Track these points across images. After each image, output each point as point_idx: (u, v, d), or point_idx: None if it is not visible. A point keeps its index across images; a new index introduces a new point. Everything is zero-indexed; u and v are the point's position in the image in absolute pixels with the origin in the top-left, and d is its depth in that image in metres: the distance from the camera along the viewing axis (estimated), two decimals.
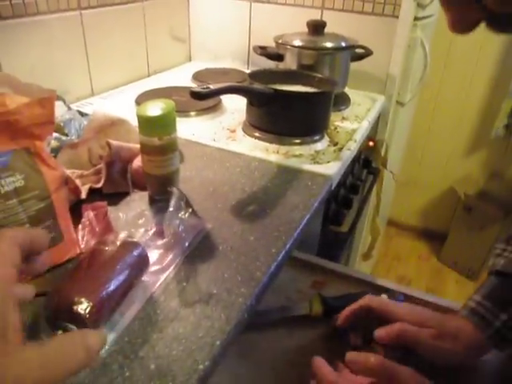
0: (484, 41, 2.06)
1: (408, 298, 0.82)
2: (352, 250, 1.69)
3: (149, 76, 1.47)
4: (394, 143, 1.60)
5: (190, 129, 1.03)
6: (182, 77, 1.44)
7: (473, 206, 2.30)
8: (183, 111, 1.07)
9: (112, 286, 0.50)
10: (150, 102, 0.71)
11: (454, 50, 2.14)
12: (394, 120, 1.51)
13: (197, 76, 1.41)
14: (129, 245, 0.55)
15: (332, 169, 0.87)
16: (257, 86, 0.90)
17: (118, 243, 0.55)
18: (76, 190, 0.73)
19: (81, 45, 1.19)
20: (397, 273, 2.41)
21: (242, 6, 1.51)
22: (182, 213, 0.63)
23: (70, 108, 0.95)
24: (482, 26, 0.35)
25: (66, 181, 0.67)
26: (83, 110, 1.12)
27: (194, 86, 1.36)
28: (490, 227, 2.26)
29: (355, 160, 1.15)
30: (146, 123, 0.69)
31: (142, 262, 0.56)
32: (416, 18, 1.35)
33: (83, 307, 0.47)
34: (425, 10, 1.39)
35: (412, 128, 2.18)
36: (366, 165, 1.29)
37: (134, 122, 0.76)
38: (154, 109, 0.69)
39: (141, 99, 1.16)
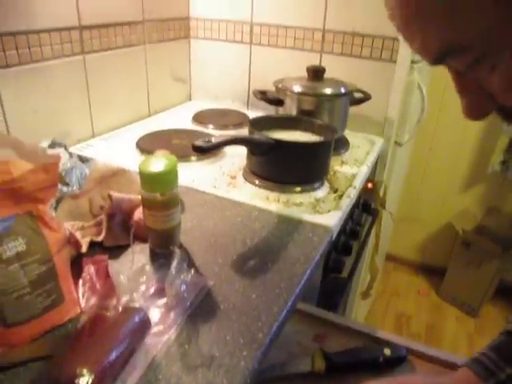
0: None
1: (409, 352, 0.81)
2: (351, 290, 1.67)
3: (149, 116, 1.49)
4: (392, 183, 1.61)
5: (191, 174, 1.03)
6: (183, 117, 1.46)
7: (471, 241, 2.29)
8: (184, 156, 1.08)
9: (114, 355, 0.50)
10: (152, 157, 0.72)
11: (449, 89, 2.17)
12: (393, 160, 1.53)
13: (197, 117, 1.42)
14: (131, 310, 0.55)
15: (333, 219, 0.87)
16: (257, 136, 0.91)
17: (120, 308, 0.54)
18: (77, 245, 0.73)
19: (83, 87, 1.21)
20: (396, 309, 2.39)
21: (242, 49, 1.54)
22: (184, 274, 0.63)
23: (71, 155, 0.95)
24: None
25: (68, 237, 0.67)
26: (84, 154, 1.13)
27: (194, 127, 1.37)
28: (489, 263, 2.25)
29: (355, 205, 1.15)
30: (149, 179, 0.69)
31: (144, 327, 0.56)
32: (413, 62, 1.38)
33: (85, 380, 0.46)
34: None
35: (410, 165, 2.20)
36: (365, 208, 1.30)
37: (135, 171, 0.77)
38: (157, 165, 0.69)
39: (141, 143, 1.17)
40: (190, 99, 1.71)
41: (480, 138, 2.24)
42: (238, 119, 1.43)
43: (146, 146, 1.15)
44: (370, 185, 1.37)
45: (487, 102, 0.38)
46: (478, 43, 0.34)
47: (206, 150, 0.77)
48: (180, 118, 1.45)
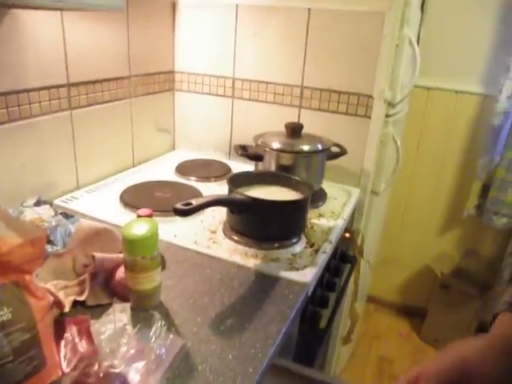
0: (452, 126, 2.19)
1: None
2: (331, 337, 1.69)
3: (134, 166, 1.53)
4: (370, 230, 1.66)
5: (172, 229, 1.07)
6: (166, 168, 1.50)
7: (449, 284, 2.34)
8: (165, 211, 1.11)
9: None
10: (134, 222, 0.75)
11: (424, 137, 2.26)
12: (370, 209, 1.58)
13: (180, 169, 1.47)
14: (111, 376, 0.57)
15: (308, 276, 0.91)
16: (235, 195, 0.95)
17: (101, 374, 0.57)
18: (60, 304, 0.75)
19: (69, 141, 1.25)
20: (378, 353, 2.40)
21: (224, 102, 1.60)
22: (163, 337, 0.66)
23: (56, 213, 0.98)
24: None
25: (52, 301, 0.69)
26: (68, 206, 1.16)
27: (177, 179, 1.41)
28: (468, 304, 2.29)
29: (332, 256, 1.19)
30: (131, 244, 0.73)
31: None
32: (387, 115, 1.45)
33: None
34: (395, 107, 1.50)
35: (389, 210, 2.26)
36: (342, 258, 1.34)
37: (118, 229, 0.80)
38: (139, 230, 0.73)
39: (125, 196, 1.20)
40: (174, 149, 1.76)
41: (455, 184, 2.32)
42: (220, 171, 1.47)
43: (130, 200, 1.18)
44: (347, 234, 1.41)
45: None
46: None
47: (187, 214, 0.81)
48: (163, 169, 1.49)
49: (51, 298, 0.65)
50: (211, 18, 1.54)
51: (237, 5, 1.47)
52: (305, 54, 1.43)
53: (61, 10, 1.10)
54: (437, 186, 2.35)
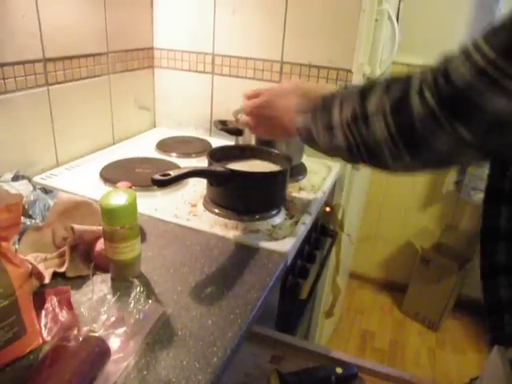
0: None
1: (361, 370, 0.86)
2: (314, 311, 1.72)
3: (114, 144, 1.52)
4: (350, 206, 1.68)
5: (153, 203, 1.07)
6: (146, 145, 1.50)
7: (430, 258, 2.39)
8: (146, 186, 1.12)
9: None
10: (112, 192, 0.76)
11: None
12: (350, 184, 1.60)
13: (160, 146, 1.47)
14: (91, 340, 0.58)
15: (287, 245, 0.92)
16: (215, 167, 0.96)
17: (81, 338, 0.58)
18: (40, 276, 0.76)
19: (47, 118, 1.23)
20: (360, 327, 2.45)
21: (204, 78, 1.60)
22: (143, 303, 0.67)
23: (34, 187, 0.98)
24: None
25: (31, 270, 0.70)
26: (48, 183, 1.15)
27: (157, 155, 1.41)
28: (447, 278, 2.35)
29: (312, 229, 1.21)
30: (109, 213, 0.73)
31: (104, 356, 0.59)
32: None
33: None
34: None
35: (370, 187, 2.29)
36: (323, 231, 1.35)
37: (98, 202, 0.80)
38: (117, 199, 0.73)
39: (105, 173, 1.20)
40: (155, 126, 1.75)
41: None
42: (201, 147, 1.47)
43: (109, 175, 1.18)
44: (328, 209, 1.43)
45: None
46: None
47: (165, 184, 0.82)
48: (144, 146, 1.49)
49: (30, 267, 0.66)
50: None
51: None
52: (284, 29, 1.42)
53: None
54: None
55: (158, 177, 0.81)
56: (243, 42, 1.50)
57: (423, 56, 2.13)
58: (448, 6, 2.06)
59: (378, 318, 2.55)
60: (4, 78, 1.09)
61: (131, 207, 0.74)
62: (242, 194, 1.00)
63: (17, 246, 0.80)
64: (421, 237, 2.52)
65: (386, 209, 2.55)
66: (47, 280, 0.76)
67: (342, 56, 1.38)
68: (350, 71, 1.38)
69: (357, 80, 1.37)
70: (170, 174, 0.82)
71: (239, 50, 1.51)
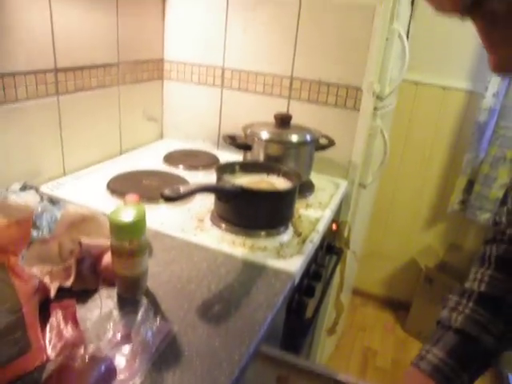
0: (439, 121, 2.22)
1: None
2: (316, 328, 1.71)
3: (121, 153, 1.52)
4: (356, 222, 1.67)
5: (160, 217, 1.06)
6: (154, 157, 1.49)
7: (433, 277, 2.37)
8: (153, 199, 1.11)
9: None
10: (122, 207, 0.75)
11: (411, 132, 2.29)
12: (357, 201, 1.59)
13: (168, 159, 1.46)
14: (97, 360, 0.57)
15: (295, 265, 0.91)
16: (224, 184, 0.95)
17: (87, 358, 0.57)
18: (45, 290, 0.75)
19: (56, 127, 1.23)
20: (362, 344, 2.43)
21: (213, 91, 1.60)
22: (150, 321, 0.66)
23: (42, 198, 0.97)
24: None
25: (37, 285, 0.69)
26: (55, 193, 1.15)
27: (165, 168, 1.40)
28: None
29: (319, 247, 1.20)
30: (118, 229, 0.72)
31: (110, 376, 0.58)
32: (376, 108, 1.45)
33: None
34: (383, 101, 1.50)
35: (375, 204, 2.28)
36: (329, 249, 1.34)
37: (105, 214, 0.79)
38: (126, 214, 0.73)
39: (112, 184, 1.20)
40: (162, 137, 1.75)
41: (441, 178, 2.35)
42: (208, 160, 1.47)
43: (117, 187, 1.18)
44: (334, 226, 1.42)
45: None
46: None
47: (174, 200, 0.81)
48: (151, 158, 1.49)
49: (37, 282, 0.65)
50: (201, 6, 1.52)
51: None
52: (295, 44, 1.43)
53: None
54: (423, 181, 2.38)
55: (167, 193, 0.80)
56: (253, 57, 1.50)
57: (431, 74, 2.15)
58: (457, 25, 2.06)
59: (380, 335, 2.52)
60: (15, 87, 1.09)
61: (140, 223, 0.73)
62: (251, 211, 0.99)
63: (23, 257, 0.80)
64: (425, 255, 2.50)
65: (390, 226, 2.54)
66: (52, 294, 0.75)
67: (352, 74, 1.38)
68: (359, 89, 1.38)
69: (366, 98, 1.37)
70: (179, 190, 0.81)
71: (249, 64, 1.51)
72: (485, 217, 2.19)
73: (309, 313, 1.11)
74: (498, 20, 0.36)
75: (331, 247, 1.34)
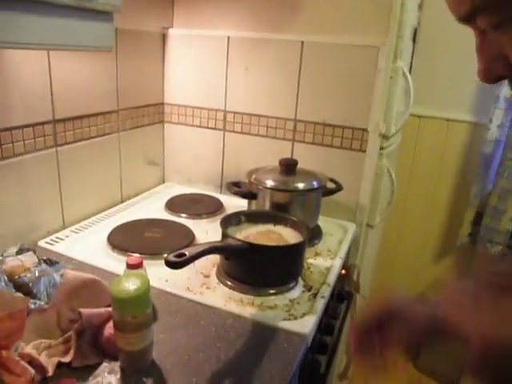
0: (444, 154, 2.19)
1: None
2: (328, 375, 1.64)
3: (122, 201, 1.48)
4: (364, 264, 1.62)
5: (163, 274, 1.01)
6: (155, 204, 1.45)
7: None
8: (156, 254, 1.07)
9: None
10: (124, 278, 0.70)
11: (416, 165, 2.25)
12: (365, 243, 1.54)
13: (170, 205, 1.42)
14: None
15: (307, 326, 0.86)
16: (231, 241, 0.91)
17: None
18: (42, 370, 0.69)
19: (54, 179, 1.20)
20: None
21: (215, 134, 1.57)
22: None
23: (39, 261, 0.92)
24: None
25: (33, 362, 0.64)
26: (53, 249, 1.11)
27: (167, 216, 1.36)
28: None
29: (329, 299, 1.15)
30: (120, 302, 0.68)
31: None
32: (382, 148, 1.42)
33: None
34: (389, 140, 1.47)
35: (382, 239, 2.23)
36: (339, 296, 1.29)
37: (106, 279, 0.75)
38: (128, 286, 0.68)
39: (113, 238, 1.15)
40: (164, 182, 1.71)
41: (448, 211, 2.30)
42: (212, 206, 1.43)
43: (118, 241, 1.13)
44: (343, 271, 1.37)
45: (503, 67, 0.41)
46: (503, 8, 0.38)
47: (180, 266, 0.76)
48: (153, 205, 1.45)
49: (32, 372, 0.60)
50: (202, 49, 1.51)
51: (228, 37, 1.45)
52: (298, 86, 1.40)
53: (47, 50, 1.07)
54: (430, 214, 2.33)
55: (172, 258, 0.76)
56: (256, 99, 1.47)
57: (433, 107, 2.13)
58: (458, 60, 2.05)
59: (392, 376, 2.43)
60: (13, 142, 1.06)
61: (144, 296, 0.68)
62: (259, 268, 0.95)
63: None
64: (434, 290, 2.44)
65: (398, 261, 2.48)
66: (50, 372, 0.70)
67: (358, 115, 1.35)
68: (365, 130, 1.35)
69: (373, 139, 1.34)
70: (185, 254, 0.77)
71: (251, 107, 1.49)
72: (496, 250, 2.14)
73: (323, 369, 1.05)
74: (484, 32, 0.42)
75: (341, 294, 1.29)
